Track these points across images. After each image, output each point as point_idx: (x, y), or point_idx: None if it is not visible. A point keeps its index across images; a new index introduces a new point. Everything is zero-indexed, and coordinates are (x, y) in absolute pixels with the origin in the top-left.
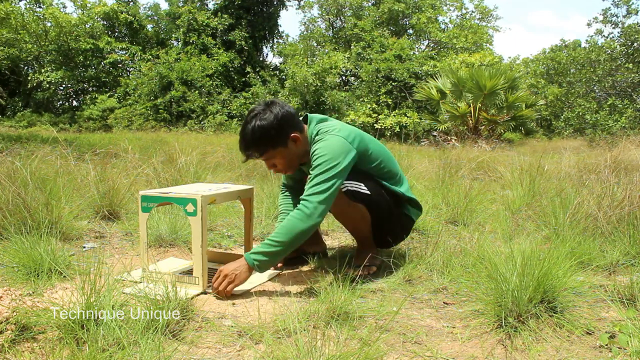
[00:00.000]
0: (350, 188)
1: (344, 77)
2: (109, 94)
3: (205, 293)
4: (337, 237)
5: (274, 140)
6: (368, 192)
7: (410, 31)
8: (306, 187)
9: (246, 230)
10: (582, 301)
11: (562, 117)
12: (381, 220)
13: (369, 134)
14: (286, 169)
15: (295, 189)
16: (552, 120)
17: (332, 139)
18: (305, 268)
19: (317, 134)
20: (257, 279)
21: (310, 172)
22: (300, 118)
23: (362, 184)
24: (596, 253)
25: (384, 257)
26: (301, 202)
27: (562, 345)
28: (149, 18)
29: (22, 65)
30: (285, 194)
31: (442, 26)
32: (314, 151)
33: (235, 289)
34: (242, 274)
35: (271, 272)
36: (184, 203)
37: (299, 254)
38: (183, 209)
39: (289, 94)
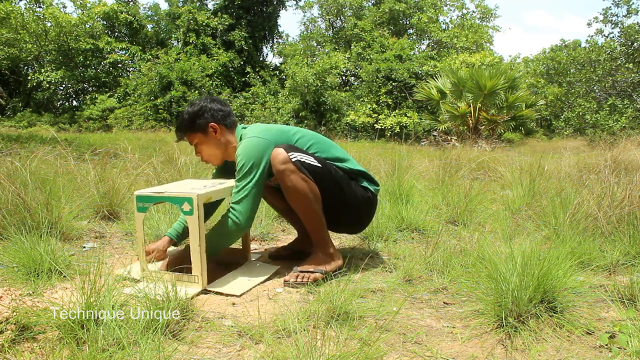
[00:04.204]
0: (300, 159)
1: (344, 77)
2: (109, 94)
3: (205, 292)
4: (333, 237)
5: (195, 125)
6: (319, 165)
7: (411, 31)
8: (232, 192)
9: None
10: (582, 301)
11: (562, 117)
12: (337, 196)
13: (299, 128)
14: (209, 158)
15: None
16: (552, 120)
17: (247, 142)
18: None
19: (240, 139)
20: (256, 278)
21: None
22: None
23: (312, 157)
24: (596, 253)
25: (383, 257)
26: (229, 210)
27: (562, 345)
28: (149, 18)
29: (22, 65)
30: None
31: (443, 26)
32: (236, 156)
33: (235, 289)
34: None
35: (270, 269)
36: (180, 202)
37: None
38: (179, 208)
39: (289, 94)
